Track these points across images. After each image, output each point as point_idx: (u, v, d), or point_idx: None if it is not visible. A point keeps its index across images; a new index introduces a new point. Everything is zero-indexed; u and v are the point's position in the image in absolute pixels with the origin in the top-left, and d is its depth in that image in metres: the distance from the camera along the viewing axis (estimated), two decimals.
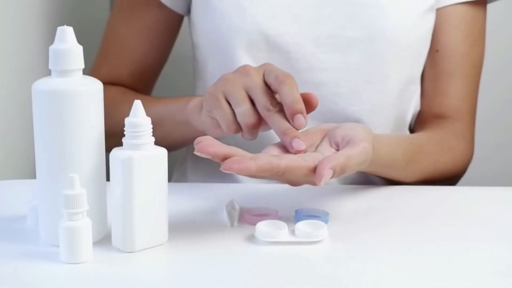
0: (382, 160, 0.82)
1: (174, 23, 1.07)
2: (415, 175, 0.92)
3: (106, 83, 1.05)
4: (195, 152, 0.69)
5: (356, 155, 0.74)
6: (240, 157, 0.69)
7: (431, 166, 0.95)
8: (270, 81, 0.77)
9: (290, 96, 0.75)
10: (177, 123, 0.91)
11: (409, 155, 0.90)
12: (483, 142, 1.21)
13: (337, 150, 0.76)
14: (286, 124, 0.76)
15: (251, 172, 0.68)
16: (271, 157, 0.71)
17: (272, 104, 0.76)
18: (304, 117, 0.76)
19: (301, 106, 0.76)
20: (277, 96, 0.78)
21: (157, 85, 1.14)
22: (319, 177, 0.70)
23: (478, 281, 0.66)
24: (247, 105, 0.77)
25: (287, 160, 0.71)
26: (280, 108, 0.76)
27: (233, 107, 0.77)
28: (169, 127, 0.91)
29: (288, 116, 0.76)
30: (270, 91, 0.77)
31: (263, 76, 0.78)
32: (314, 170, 0.71)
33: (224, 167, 0.68)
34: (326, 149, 0.76)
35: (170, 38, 1.09)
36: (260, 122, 0.77)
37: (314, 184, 0.72)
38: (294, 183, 0.75)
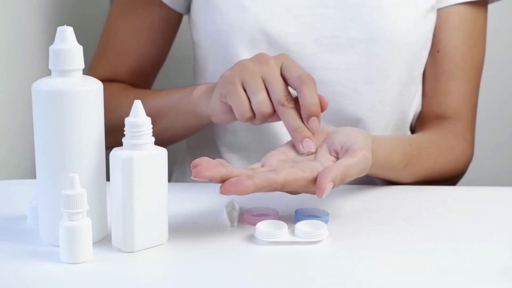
0: (381, 162, 0.83)
1: (173, 22, 1.07)
2: (414, 176, 0.92)
3: (104, 80, 1.05)
4: (192, 177, 0.70)
5: (355, 164, 0.74)
6: (236, 178, 0.69)
7: (431, 167, 0.95)
8: (291, 77, 0.78)
9: (309, 99, 0.77)
10: (180, 112, 0.91)
11: (408, 156, 0.90)
12: (483, 142, 1.21)
13: (336, 158, 0.76)
14: (298, 122, 0.77)
15: (249, 192, 0.69)
16: (268, 172, 0.71)
17: (287, 100, 0.77)
18: (319, 120, 0.78)
19: (318, 109, 0.78)
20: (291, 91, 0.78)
21: (157, 85, 1.14)
22: (320, 190, 0.71)
23: (478, 281, 0.66)
24: (264, 95, 0.78)
25: (285, 174, 0.71)
26: (294, 104, 0.77)
27: (249, 95, 0.78)
28: (171, 118, 0.92)
29: (303, 117, 0.78)
30: (285, 84, 0.78)
31: (281, 68, 0.79)
32: (313, 180, 0.72)
33: (222, 191, 0.69)
34: (326, 158, 0.76)
35: (169, 36, 1.09)
36: (274, 111, 0.79)
37: (313, 193, 0.73)
38: (293, 193, 0.76)
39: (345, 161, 0.73)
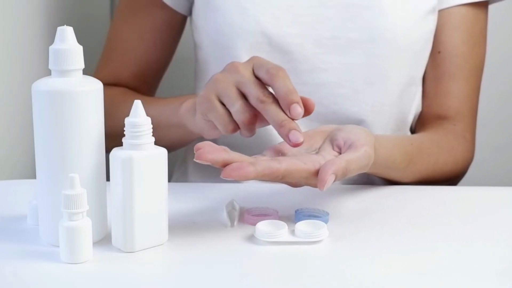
0: (382, 161, 0.83)
1: (177, 24, 1.07)
2: (415, 176, 0.92)
3: (108, 84, 1.04)
4: (194, 159, 0.70)
5: (357, 159, 0.74)
6: (239, 163, 0.69)
7: (431, 166, 0.95)
8: (261, 75, 0.76)
9: (284, 88, 0.74)
10: (172, 126, 0.90)
11: (409, 156, 0.90)
12: (483, 143, 1.21)
13: (339, 153, 0.76)
14: (282, 115, 0.74)
15: (251, 178, 0.69)
16: (271, 161, 0.71)
17: (265, 95, 0.75)
18: (301, 107, 0.74)
19: (296, 96, 0.74)
20: (270, 89, 0.77)
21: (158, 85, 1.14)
22: (322, 183, 0.70)
23: (478, 281, 0.66)
24: (240, 102, 0.76)
25: (287, 164, 0.71)
26: (274, 99, 0.75)
27: (227, 106, 0.77)
28: (164, 129, 0.91)
29: (284, 108, 0.75)
30: (262, 84, 0.76)
31: (253, 70, 0.78)
32: (315, 173, 0.72)
33: (224, 175, 0.68)
34: (328, 152, 0.76)
35: (173, 39, 1.09)
36: (256, 117, 0.77)
37: (314, 186, 0.73)
38: (294, 185, 0.75)
39: (347, 156, 0.73)
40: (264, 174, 0.69)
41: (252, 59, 0.79)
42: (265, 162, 0.70)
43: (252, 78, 0.76)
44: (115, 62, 1.08)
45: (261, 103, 0.75)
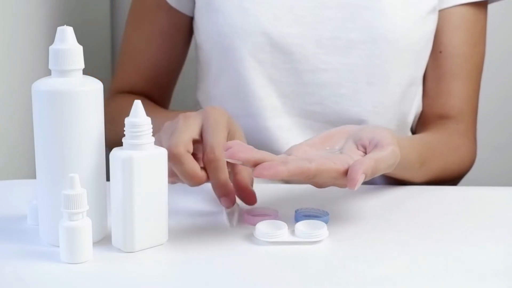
0: (402, 161, 0.82)
1: (184, 26, 1.07)
2: (427, 176, 0.92)
3: (124, 91, 1.04)
4: (225, 158, 0.69)
5: (385, 158, 0.73)
6: (270, 162, 0.68)
7: (442, 166, 0.95)
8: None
9: (214, 181, 0.77)
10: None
11: (423, 156, 0.90)
12: (483, 142, 1.21)
13: (365, 152, 0.75)
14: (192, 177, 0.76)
15: (282, 177, 0.68)
16: (301, 160, 0.70)
17: (173, 167, 0.75)
18: (231, 200, 0.78)
19: (223, 190, 0.77)
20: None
21: None
22: (353, 182, 0.69)
23: (478, 281, 0.66)
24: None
25: (318, 163, 0.70)
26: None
27: None
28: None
29: (217, 196, 0.78)
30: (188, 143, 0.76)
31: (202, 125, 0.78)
32: (344, 173, 0.71)
33: (256, 174, 0.68)
34: (354, 152, 0.75)
35: (181, 41, 1.08)
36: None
37: (343, 186, 0.72)
38: (320, 186, 0.74)
39: (375, 155, 0.73)
40: (295, 173, 0.68)
41: (203, 115, 0.78)
42: (296, 162, 0.70)
43: (175, 142, 0.75)
44: (127, 67, 1.08)
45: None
